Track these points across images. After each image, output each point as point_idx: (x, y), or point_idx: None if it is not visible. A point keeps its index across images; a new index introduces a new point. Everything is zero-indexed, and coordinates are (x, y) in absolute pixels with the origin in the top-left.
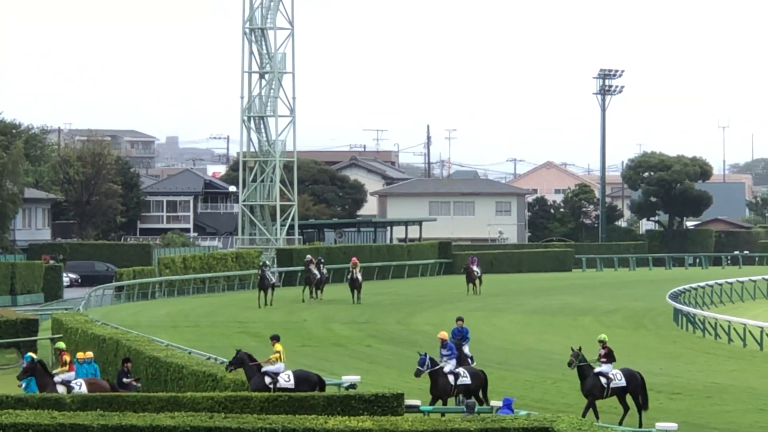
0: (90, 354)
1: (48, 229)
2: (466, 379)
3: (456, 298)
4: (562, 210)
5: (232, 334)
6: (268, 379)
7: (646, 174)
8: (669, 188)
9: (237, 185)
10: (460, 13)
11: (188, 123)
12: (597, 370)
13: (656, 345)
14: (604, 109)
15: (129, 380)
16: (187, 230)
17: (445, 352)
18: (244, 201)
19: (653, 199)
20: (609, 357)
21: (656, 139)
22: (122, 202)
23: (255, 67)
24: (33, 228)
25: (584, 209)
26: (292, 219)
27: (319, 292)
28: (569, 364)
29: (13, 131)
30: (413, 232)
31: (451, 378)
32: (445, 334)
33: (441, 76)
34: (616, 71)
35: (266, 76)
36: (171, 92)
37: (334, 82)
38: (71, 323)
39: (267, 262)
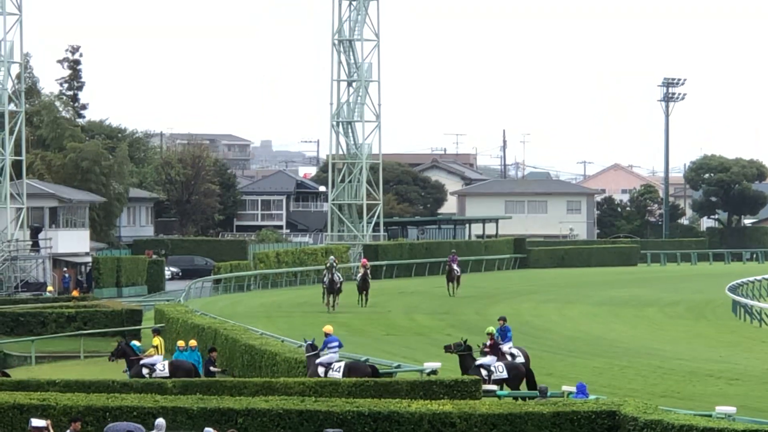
0: (193, 342)
1: (151, 226)
2: (337, 374)
3: (530, 291)
4: (628, 209)
5: (322, 324)
6: (145, 370)
7: (707, 175)
8: (728, 188)
9: (326, 185)
10: (532, 29)
11: (281, 128)
12: (478, 362)
13: (716, 334)
14: (667, 115)
15: (215, 369)
16: (280, 227)
17: (332, 344)
18: (333, 200)
19: (713, 199)
20: (493, 350)
21: (716, 142)
22: (220, 201)
23: (343, 76)
24: (137, 225)
25: (649, 208)
26: (378, 217)
27: (337, 298)
28: (445, 349)
29: (119, 135)
30: (490, 229)
31: (320, 369)
32: (329, 329)
33: (516, 83)
34: (679, 80)
35: (354, 84)
36: (265, 99)
37: (416, 90)
38: (173, 313)
39: (334, 263)
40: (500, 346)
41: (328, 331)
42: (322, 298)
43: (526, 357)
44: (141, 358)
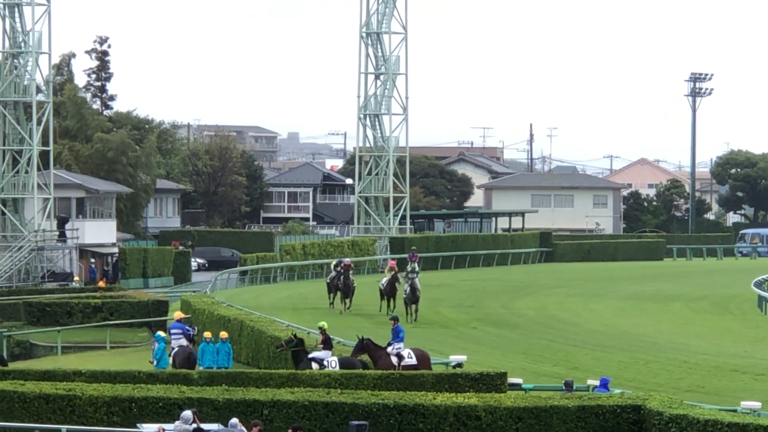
0: (224, 334)
1: (178, 217)
2: (169, 359)
3: (555, 285)
4: (654, 203)
5: (347, 316)
6: None
7: (733, 170)
8: (754, 184)
9: (353, 178)
10: (560, 22)
11: (308, 120)
12: (311, 355)
13: (741, 329)
14: (694, 110)
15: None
16: (307, 219)
17: (174, 331)
18: (359, 192)
19: (739, 194)
20: (326, 344)
21: (743, 137)
22: (246, 192)
23: (371, 69)
24: (164, 216)
25: (675, 203)
26: (404, 210)
27: (349, 302)
28: (277, 348)
29: (146, 126)
30: (516, 222)
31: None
32: (178, 314)
33: (543, 77)
34: (706, 75)
35: (381, 77)
36: (293, 91)
37: (443, 83)
38: (199, 304)
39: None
40: (389, 346)
41: (175, 317)
42: (380, 306)
43: (423, 359)
44: None
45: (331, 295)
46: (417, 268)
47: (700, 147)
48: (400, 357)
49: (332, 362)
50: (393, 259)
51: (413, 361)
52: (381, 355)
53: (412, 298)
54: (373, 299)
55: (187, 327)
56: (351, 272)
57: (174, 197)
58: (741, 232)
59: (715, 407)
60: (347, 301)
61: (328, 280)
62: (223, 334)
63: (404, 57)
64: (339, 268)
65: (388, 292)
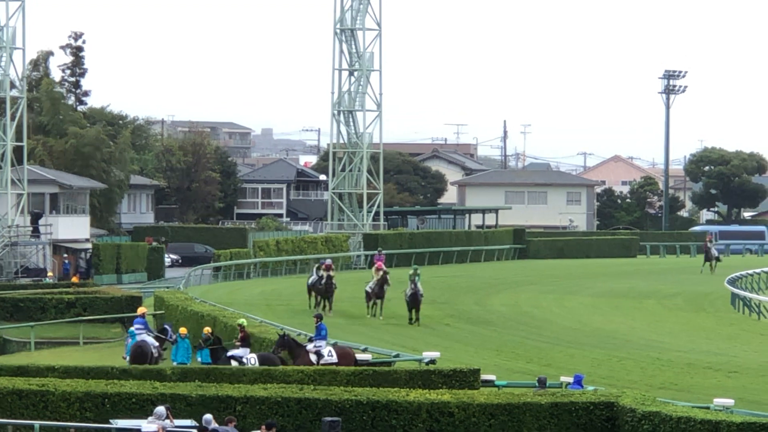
0: (208, 329)
1: (151, 213)
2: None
3: (529, 281)
4: (628, 200)
5: (327, 318)
6: None
7: (707, 168)
8: (728, 181)
9: (327, 174)
10: (534, 20)
11: (282, 116)
12: (230, 353)
13: (715, 327)
14: (668, 107)
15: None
16: (280, 215)
17: (137, 326)
18: (333, 189)
19: (713, 191)
20: (244, 342)
21: (717, 135)
22: (220, 188)
23: (345, 65)
24: (138, 212)
25: (649, 200)
26: (378, 206)
27: (330, 304)
28: (195, 347)
29: (120, 122)
30: (490, 219)
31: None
32: (142, 309)
33: (517, 74)
34: (680, 72)
35: (355, 73)
36: (267, 87)
37: (418, 80)
38: (172, 300)
39: (418, 273)
40: (310, 343)
41: (139, 312)
42: (367, 309)
43: (344, 357)
44: None
45: (312, 296)
46: (419, 271)
47: (674, 144)
48: (319, 355)
49: (251, 359)
50: (380, 259)
51: (333, 359)
52: (300, 353)
53: (415, 300)
54: (351, 296)
55: (165, 326)
56: (332, 272)
57: (148, 193)
58: (691, 229)
59: (688, 404)
60: (327, 302)
61: (309, 282)
62: (207, 330)
63: (378, 53)
64: (321, 271)
65: (377, 294)
